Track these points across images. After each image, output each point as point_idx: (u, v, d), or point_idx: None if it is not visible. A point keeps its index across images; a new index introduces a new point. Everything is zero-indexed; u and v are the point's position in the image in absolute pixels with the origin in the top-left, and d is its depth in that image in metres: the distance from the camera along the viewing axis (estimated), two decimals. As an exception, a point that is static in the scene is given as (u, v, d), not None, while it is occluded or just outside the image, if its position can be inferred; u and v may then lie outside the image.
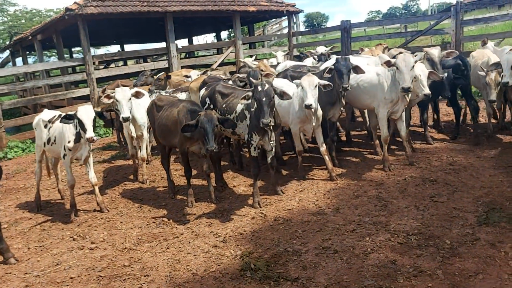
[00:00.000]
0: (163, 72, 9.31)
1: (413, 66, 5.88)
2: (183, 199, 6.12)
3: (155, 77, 9.11)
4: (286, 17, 16.52)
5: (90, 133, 5.26)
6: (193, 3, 13.66)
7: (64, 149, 5.65)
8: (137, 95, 6.40)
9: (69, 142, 5.54)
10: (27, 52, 19.67)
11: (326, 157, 6.28)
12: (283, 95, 5.37)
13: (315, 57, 9.10)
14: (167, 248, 4.69)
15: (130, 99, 6.29)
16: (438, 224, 4.56)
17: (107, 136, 11.82)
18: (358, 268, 3.93)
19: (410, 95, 6.21)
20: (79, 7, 11.55)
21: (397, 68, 5.96)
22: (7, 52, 23.13)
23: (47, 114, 6.13)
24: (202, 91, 6.49)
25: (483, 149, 6.91)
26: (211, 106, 6.09)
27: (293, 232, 4.72)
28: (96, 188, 6.01)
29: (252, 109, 5.37)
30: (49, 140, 5.93)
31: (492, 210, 4.74)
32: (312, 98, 5.64)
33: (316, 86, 5.71)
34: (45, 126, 5.96)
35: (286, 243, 4.51)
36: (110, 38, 21.91)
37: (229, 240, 4.73)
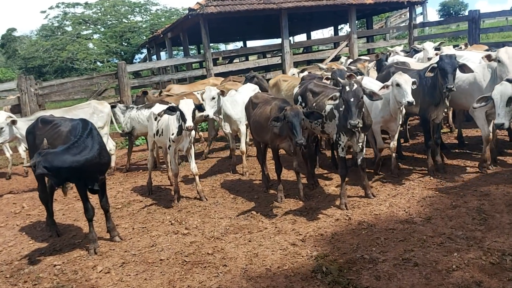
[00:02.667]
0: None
1: None
2: (275, 194, 6.28)
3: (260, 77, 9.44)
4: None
5: (189, 123, 5.75)
6: (308, -2, 13.68)
7: (169, 140, 6.24)
8: (222, 93, 7.09)
9: (172, 134, 6.11)
10: (161, 49, 21.73)
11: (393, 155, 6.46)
12: (372, 95, 5.21)
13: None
14: (249, 241, 4.91)
15: (213, 98, 6.98)
16: (545, 247, 3.99)
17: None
18: (436, 285, 3.65)
19: None
20: (201, 7, 12.44)
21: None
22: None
23: (158, 108, 6.80)
24: (296, 89, 6.60)
25: None
26: (303, 104, 6.15)
27: (375, 239, 4.56)
28: (197, 178, 6.51)
29: (341, 109, 5.27)
30: (157, 131, 6.60)
31: None
32: (411, 95, 5.46)
33: (411, 83, 5.52)
34: (155, 119, 6.63)
35: (364, 249, 4.38)
36: (234, 35, 23.14)
37: (308, 239, 4.76)
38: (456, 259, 3.98)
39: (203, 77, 13.80)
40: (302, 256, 4.40)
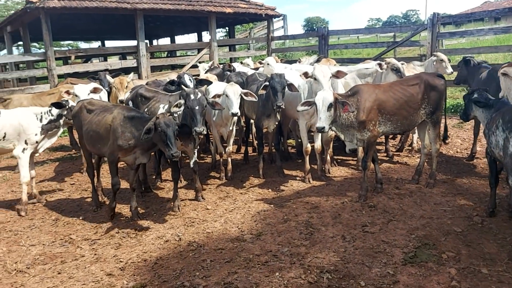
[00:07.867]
0: None
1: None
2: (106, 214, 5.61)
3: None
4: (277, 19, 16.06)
5: None
6: (166, 1, 13.17)
7: (26, 143, 5.79)
8: (95, 90, 6.61)
9: (36, 135, 5.81)
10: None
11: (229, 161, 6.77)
12: (215, 105, 5.44)
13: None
14: (59, 273, 4.19)
15: (89, 94, 6.48)
16: (359, 260, 4.07)
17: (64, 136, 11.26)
18: (253, 311, 3.44)
19: None
20: (41, 0, 11.05)
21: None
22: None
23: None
24: (127, 94, 6.26)
25: (440, 171, 6.43)
26: (134, 109, 5.82)
27: (201, 262, 4.23)
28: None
29: (175, 115, 5.22)
30: None
31: (423, 246, 4.26)
32: (237, 107, 5.77)
33: (240, 95, 5.84)
34: None
35: (188, 274, 4.02)
36: (90, 34, 21.41)
37: (128, 267, 4.23)
38: (277, 279, 3.84)
39: (44, 77, 12.34)
40: (116, 289, 3.87)
